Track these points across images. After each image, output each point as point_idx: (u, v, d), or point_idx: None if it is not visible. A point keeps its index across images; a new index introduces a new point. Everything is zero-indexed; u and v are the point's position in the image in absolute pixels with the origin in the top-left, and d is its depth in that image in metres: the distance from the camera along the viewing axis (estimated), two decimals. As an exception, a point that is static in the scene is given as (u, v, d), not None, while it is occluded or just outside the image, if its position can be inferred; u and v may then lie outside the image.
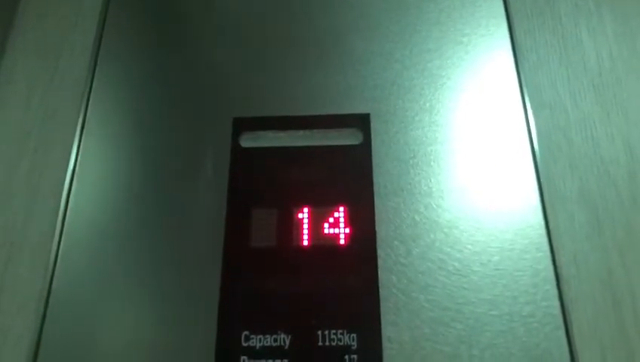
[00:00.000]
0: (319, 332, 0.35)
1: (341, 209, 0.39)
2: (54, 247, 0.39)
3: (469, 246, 0.37)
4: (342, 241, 0.38)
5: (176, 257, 0.38)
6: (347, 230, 0.38)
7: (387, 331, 0.35)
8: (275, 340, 0.35)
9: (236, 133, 0.42)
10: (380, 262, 0.37)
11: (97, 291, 0.37)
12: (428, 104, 0.42)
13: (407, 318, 0.35)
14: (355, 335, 0.35)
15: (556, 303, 0.36)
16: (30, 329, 0.36)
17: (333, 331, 0.35)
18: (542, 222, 0.38)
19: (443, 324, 0.35)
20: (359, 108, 0.42)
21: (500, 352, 0.34)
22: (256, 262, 0.38)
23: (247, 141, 0.42)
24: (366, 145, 0.41)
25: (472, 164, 0.40)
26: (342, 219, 0.38)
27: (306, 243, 0.38)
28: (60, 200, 0.40)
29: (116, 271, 0.38)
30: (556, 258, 0.37)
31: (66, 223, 0.40)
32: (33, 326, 0.36)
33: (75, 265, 0.38)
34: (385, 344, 0.35)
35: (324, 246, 0.38)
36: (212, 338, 0.35)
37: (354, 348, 0.35)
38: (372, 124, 0.42)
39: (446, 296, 0.36)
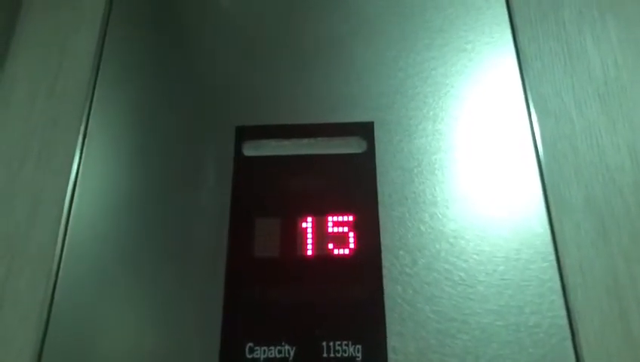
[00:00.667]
0: (324, 344, 0.35)
1: (345, 218, 0.39)
2: (57, 255, 0.38)
3: (475, 256, 0.37)
4: (346, 251, 0.38)
5: (179, 267, 0.38)
6: (352, 240, 0.38)
7: (392, 342, 0.35)
8: (280, 351, 0.35)
9: (239, 142, 0.42)
10: (385, 272, 0.37)
11: (100, 300, 0.37)
12: (432, 112, 0.42)
13: (413, 329, 0.35)
14: (360, 346, 0.35)
15: (563, 313, 0.35)
16: (33, 339, 0.36)
17: (338, 342, 0.35)
18: (547, 231, 0.38)
19: (449, 335, 0.35)
20: (363, 117, 0.42)
21: (506, 363, 0.34)
22: (259, 272, 0.37)
23: (250, 150, 0.42)
24: (370, 154, 0.41)
25: (476, 172, 0.40)
26: (346, 229, 0.38)
27: (310, 252, 0.38)
28: (62, 208, 0.40)
29: (119, 280, 0.38)
30: (562, 266, 0.37)
31: (68, 231, 0.39)
32: (36, 335, 0.36)
33: (77, 274, 0.38)
34: (390, 355, 0.34)
35: (329, 256, 0.38)
36: (215, 349, 0.35)
37: (359, 359, 0.35)
38: (376, 133, 0.42)
39: (452, 306, 0.36)
